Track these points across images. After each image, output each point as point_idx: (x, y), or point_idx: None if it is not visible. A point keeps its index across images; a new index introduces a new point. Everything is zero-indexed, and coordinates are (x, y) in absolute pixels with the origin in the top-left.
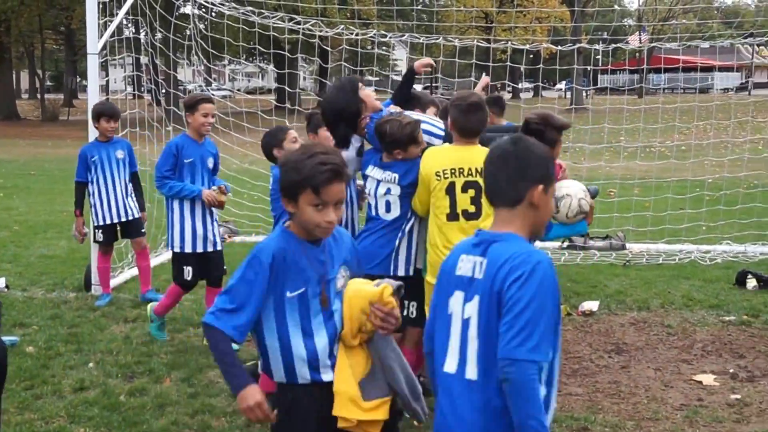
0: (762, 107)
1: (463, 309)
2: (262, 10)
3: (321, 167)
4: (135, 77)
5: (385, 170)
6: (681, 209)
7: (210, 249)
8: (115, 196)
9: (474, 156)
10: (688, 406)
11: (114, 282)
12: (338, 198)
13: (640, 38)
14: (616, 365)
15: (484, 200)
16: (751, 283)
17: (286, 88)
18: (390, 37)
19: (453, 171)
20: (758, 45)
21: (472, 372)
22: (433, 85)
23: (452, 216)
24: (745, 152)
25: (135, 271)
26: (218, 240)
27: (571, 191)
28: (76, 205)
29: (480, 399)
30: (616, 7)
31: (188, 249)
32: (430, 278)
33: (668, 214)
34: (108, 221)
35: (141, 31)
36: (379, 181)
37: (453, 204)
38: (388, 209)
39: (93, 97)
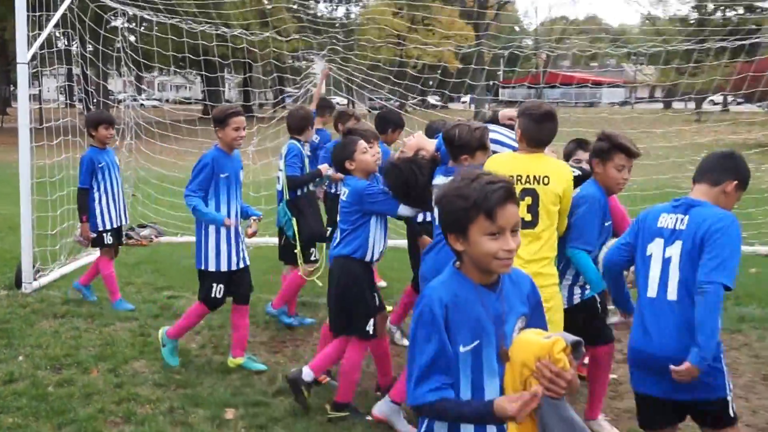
0: (639, 120)
1: (664, 250)
2: (189, 20)
3: (491, 187)
4: (67, 87)
5: (448, 176)
6: None
7: (241, 266)
8: (122, 199)
9: (534, 164)
10: None
11: (44, 280)
12: (515, 222)
13: (543, 56)
14: None
15: (541, 209)
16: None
17: (208, 102)
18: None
19: (512, 178)
20: (640, 64)
21: (672, 295)
22: (351, 99)
23: None
24: None
25: (65, 270)
26: (246, 256)
27: None
28: (82, 211)
29: (678, 314)
30: (516, 27)
31: (223, 267)
32: None
33: None
34: (116, 224)
35: (73, 42)
36: None
37: None
38: None
39: (23, 105)
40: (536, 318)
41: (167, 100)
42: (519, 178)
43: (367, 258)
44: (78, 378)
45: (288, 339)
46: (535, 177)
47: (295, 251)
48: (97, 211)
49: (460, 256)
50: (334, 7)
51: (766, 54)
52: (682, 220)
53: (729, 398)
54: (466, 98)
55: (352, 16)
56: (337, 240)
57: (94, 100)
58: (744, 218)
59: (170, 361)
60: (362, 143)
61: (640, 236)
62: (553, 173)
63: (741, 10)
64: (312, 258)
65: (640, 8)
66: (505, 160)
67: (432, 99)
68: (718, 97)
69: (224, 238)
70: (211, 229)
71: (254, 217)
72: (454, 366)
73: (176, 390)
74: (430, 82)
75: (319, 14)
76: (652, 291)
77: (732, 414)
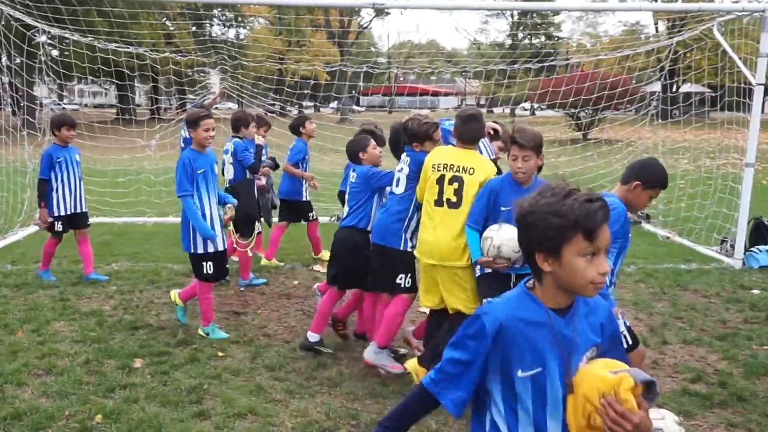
0: None
1: None
2: (102, 38)
3: (592, 205)
4: None
5: (407, 155)
6: None
7: (220, 248)
8: (79, 190)
9: (466, 158)
10: None
11: None
12: (608, 244)
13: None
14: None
15: (465, 193)
16: None
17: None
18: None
19: (445, 166)
20: (469, 78)
21: None
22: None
23: (438, 202)
24: None
25: None
26: (225, 239)
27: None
28: (41, 199)
29: None
30: (372, 48)
31: (210, 249)
32: (417, 253)
33: None
34: (70, 212)
35: (2, 55)
36: (402, 163)
37: (440, 192)
38: (398, 184)
39: None
40: (613, 349)
41: (86, 105)
42: (452, 166)
43: (369, 227)
44: (5, 338)
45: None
46: (464, 167)
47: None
48: (54, 200)
49: (539, 276)
50: (227, 29)
51: (562, 72)
52: None
53: None
54: (334, 104)
55: (241, 36)
56: (346, 214)
57: (20, 105)
58: None
59: (219, 335)
60: (372, 141)
61: None
62: (477, 166)
63: (543, 38)
64: (252, 234)
65: (468, 35)
66: (445, 152)
67: (305, 105)
68: (527, 105)
69: (208, 223)
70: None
71: (229, 204)
72: (508, 392)
73: (91, 345)
74: (305, 92)
75: (213, 35)
76: None
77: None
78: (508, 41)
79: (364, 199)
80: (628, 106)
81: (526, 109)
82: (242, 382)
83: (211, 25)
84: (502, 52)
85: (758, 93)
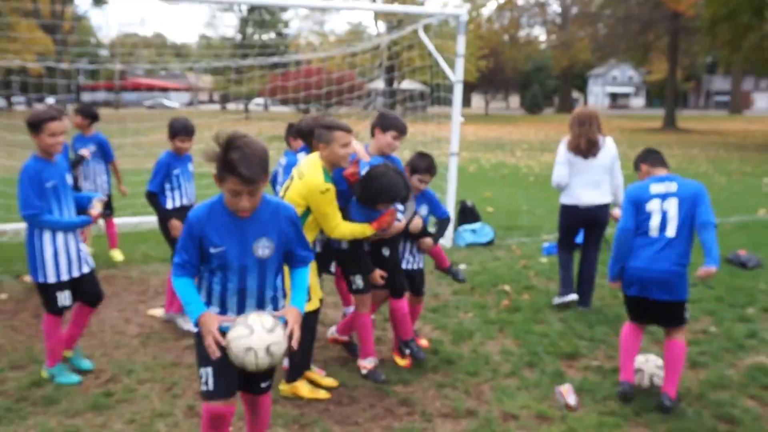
0: (200, 116)
1: (662, 205)
2: None
3: None
4: None
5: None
6: None
7: (85, 270)
8: None
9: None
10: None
11: None
12: None
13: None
14: None
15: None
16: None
17: None
18: None
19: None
20: (200, 73)
21: (672, 233)
22: None
23: None
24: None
25: None
26: (89, 259)
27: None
28: None
29: (676, 250)
30: (93, 40)
31: (64, 277)
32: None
33: None
34: None
35: None
36: None
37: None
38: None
39: None
40: None
41: None
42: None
43: None
44: None
45: None
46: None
47: None
48: None
49: None
50: None
51: (292, 69)
52: (670, 185)
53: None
54: (51, 100)
55: None
56: None
57: None
58: None
59: (68, 379)
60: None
61: (639, 200)
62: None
63: (273, 35)
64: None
65: (196, 29)
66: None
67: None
68: (260, 100)
69: (58, 244)
70: (43, 238)
71: (95, 199)
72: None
73: None
74: (15, 85)
75: None
76: (653, 233)
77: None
78: (239, 36)
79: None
80: (355, 100)
81: (259, 105)
82: None
83: None
84: (231, 50)
85: (457, 89)
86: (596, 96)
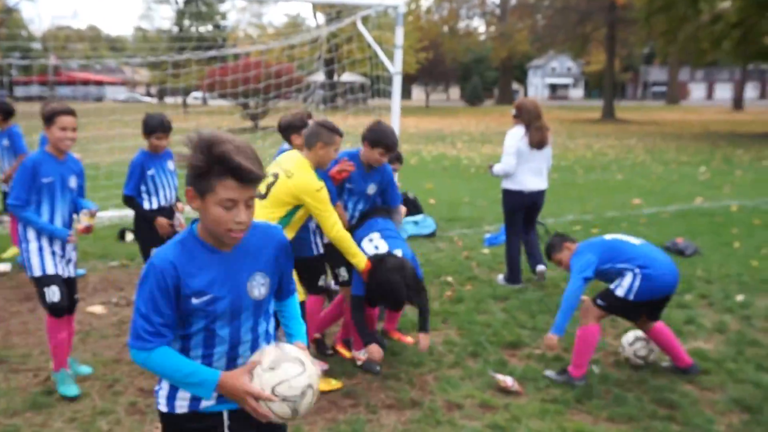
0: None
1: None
2: None
3: None
4: None
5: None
6: None
7: (72, 275)
8: None
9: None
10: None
11: None
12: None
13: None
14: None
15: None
16: (129, 236)
17: None
18: None
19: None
20: (136, 67)
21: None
22: None
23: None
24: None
25: None
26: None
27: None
28: None
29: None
30: (23, 32)
31: (49, 271)
32: None
33: None
34: None
35: None
36: None
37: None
38: None
39: None
40: None
41: None
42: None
43: None
44: None
45: None
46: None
47: None
48: None
49: None
50: None
51: (230, 62)
52: None
53: None
54: None
55: None
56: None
57: None
58: None
59: (66, 390)
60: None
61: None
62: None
63: (210, 27)
64: None
65: (132, 21)
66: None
67: None
68: (198, 94)
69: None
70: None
71: (85, 210)
72: None
73: None
74: None
75: None
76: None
77: None
78: (175, 29)
79: None
80: (295, 94)
81: (197, 98)
82: None
83: None
84: (168, 43)
85: (396, 81)
86: (536, 87)
